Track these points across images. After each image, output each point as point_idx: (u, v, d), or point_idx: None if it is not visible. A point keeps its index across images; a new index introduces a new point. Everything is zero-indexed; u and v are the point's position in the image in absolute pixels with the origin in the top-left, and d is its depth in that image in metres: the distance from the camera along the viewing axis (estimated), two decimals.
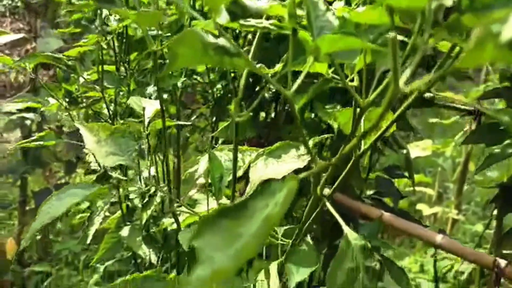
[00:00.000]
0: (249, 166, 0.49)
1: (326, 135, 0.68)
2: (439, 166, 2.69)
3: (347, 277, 0.30)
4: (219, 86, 1.14)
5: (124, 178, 0.54)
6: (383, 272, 0.30)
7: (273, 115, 1.29)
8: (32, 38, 2.49)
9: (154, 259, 0.92)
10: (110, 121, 0.91)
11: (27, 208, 2.75)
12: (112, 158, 0.45)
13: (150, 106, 0.52)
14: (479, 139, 0.91)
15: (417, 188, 2.53)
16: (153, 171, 1.19)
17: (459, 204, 2.46)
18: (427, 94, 1.14)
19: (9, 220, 3.12)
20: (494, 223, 2.50)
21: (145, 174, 1.12)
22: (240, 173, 0.49)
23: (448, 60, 0.30)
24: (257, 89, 1.16)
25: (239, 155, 0.52)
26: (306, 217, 0.43)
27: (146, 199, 0.91)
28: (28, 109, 2.57)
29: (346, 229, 0.33)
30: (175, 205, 0.50)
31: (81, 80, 0.82)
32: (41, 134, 0.86)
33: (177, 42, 0.27)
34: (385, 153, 1.24)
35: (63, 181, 2.97)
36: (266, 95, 1.15)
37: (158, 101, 0.53)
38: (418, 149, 2.06)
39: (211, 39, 0.27)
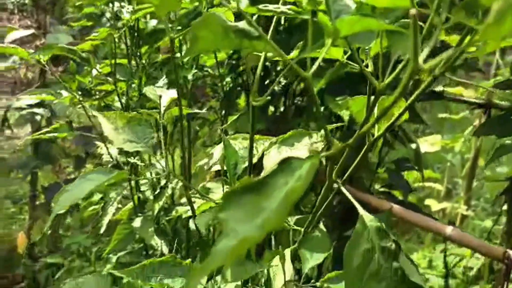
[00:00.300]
0: (262, 154, 0.49)
1: (339, 124, 0.69)
2: (448, 162, 2.68)
3: (363, 258, 0.30)
4: (228, 79, 1.15)
5: (141, 163, 0.54)
6: (399, 252, 0.30)
7: (282, 109, 1.29)
8: (42, 34, 2.51)
9: (165, 250, 0.93)
10: None
11: (38, 203, 2.79)
12: (130, 144, 0.46)
13: (165, 95, 0.53)
14: (490, 131, 0.91)
15: (426, 184, 2.52)
16: (163, 164, 1.20)
17: (469, 199, 2.45)
18: (437, 88, 1.14)
19: (19, 214, 3.16)
20: (503, 219, 2.49)
21: (156, 167, 1.13)
22: (254, 160, 0.49)
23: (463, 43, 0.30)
24: (266, 82, 1.17)
25: (254, 145, 0.52)
26: (320, 204, 0.43)
27: (158, 190, 0.92)
28: (38, 105, 2.60)
29: (361, 211, 0.34)
30: (190, 192, 0.51)
31: (94, 72, 0.83)
32: (54, 126, 0.87)
33: (198, 25, 0.28)
34: (394, 147, 1.24)
35: (72, 176, 3.00)
36: (276, 88, 1.15)
37: (173, 91, 0.54)
38: (427, 144, 2.05)
39: (231, 22, 0.28)
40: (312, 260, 0.43)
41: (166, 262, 0.47)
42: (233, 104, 1.14)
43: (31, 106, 2.51)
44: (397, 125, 1.22)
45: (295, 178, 0.24)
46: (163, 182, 0.94)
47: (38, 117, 2.57)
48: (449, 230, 0.92)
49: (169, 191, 0.88)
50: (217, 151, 0.50)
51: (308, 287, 0.44)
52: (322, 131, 0.52)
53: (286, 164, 0.26)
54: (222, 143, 0.50)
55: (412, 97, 0.38)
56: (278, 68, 1.17)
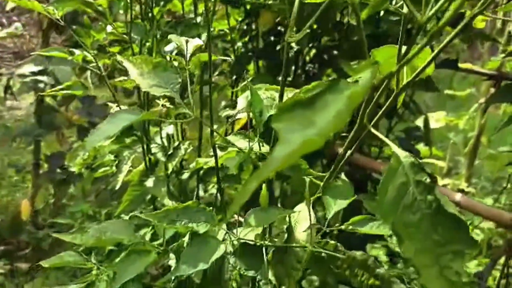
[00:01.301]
0: None
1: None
2: (451, 140, 2.69)
3: (397, 191, 0.31)
4: (239, 44, 1.14)
5: (171, 106, 0.54)
6: (434, 186, 0.30)
7: (291, 78, 1.29)
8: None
9: None
10: None
11: (41, 171, 2.80)
12: (157, 89, 0.46)
13: (191, 42, 0.53)
14: (501, 99, 0.91)
15: (428, 160, 2.53)
16: (171, 129, 1.20)
17: (469, 177, 2.47)
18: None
19: (22, 183, 3.18)
20: (503, 198, 2.50)
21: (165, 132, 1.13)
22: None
23: None
24: (278, 47, 1.16)
25: (276, 94, 0.52)
26: (345, 149, 0.44)
27: (171, 151, 0.93)
28: (41, 72, 2.58)
29: (395, 148, 0.34)
30: (215, 139, 0.50)
31: (109, 29, 0.82)
32: (69, 83, 0.87)
33: None
34: (404, 118, 1.24)
35: (75, 145, 3.00)
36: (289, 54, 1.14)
37: (197, 39, 0.53)
38: (432, 120, 2.05)
39: None
40: (336, 206, 0.44)
41: (190, 207, 0.47)
42: (243, 68, 1.13)
43: (34, 73, 2.49)
44: (408, 96, 1.22)
45: (344, 96, 0.24)
46: (175, 143, 0.95)
47: (41, 85, 2.55)
48: (458, 196, 0.94)
49: (182, 151, 0.88)
50: (241, 100, 0.50)
51: (333, 230, 0.44)
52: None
53: (333, 85, 0.26)
54: (245, 92, 0.50)
55: (447, 39, 0.38)
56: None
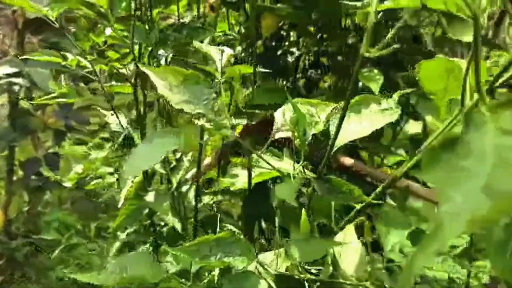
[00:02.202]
0: (328, 122, 0.45)
1: (408, 90, 0.64)
2: None
3: (507, 233, 0.27)
4: (239, 48, 1.09)
5: (210, 125, 0.48)
6: None
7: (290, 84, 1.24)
8: None
9: (178, 226, 0.88)
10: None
11: (15, 178, 2.65)
12: (189, 106, 0.40)
13: (219, 51, 0.47)
14: None
15: None
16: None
17: None
18: None
19: None
20: None
21: None
22: (320, 127, 0.45)
23: None
24: (279, 53, 1.11)
25: (312, 110, 0.47)
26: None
27: (173, 163, 0.87)
28: (17, 74, 2.45)
29: None
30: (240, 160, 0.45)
31: (108, 31, 0.75)
32: (63, 90, 0.79)
33: None
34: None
35: (51, 150, 2.86)
36: (289, 59, 1.10)
37: (228, 48, 0.48)
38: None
39: None
40: (393, 236, 0.39)
41: (223, 238, 0.42)
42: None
43: (9, 75, 2.36)
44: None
45: (490, 136, 0.20)
46: (178, 154, 0.89)
47: (16, 87, 2.42)
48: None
49: (186, 163, 0.82)
50: (279, 117, 0.45)
51: (394, 267, 0.40)
52: (394, 96, 0.47)
53: (469, 119, 0.21)
54: (282, 107, 0.45)
55: None
56: (292, 39, 1.11)
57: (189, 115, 0.98)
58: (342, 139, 0.43)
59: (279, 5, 0.91)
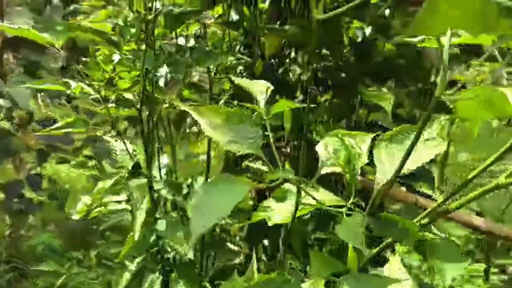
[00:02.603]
0: (371, 153, 0.44)
1: (452, 116, 0.64)
2: None
3: None
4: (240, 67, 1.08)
5: (266, 169, 0.46)
6: None
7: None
8: None
9: (191, 255, 0.86)
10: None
11: None
12: (236, 146, 0.39)
13: (263, 87, 0.46)
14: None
15: None
16: (166, 160, 1.11)
17: (440, 184, 2.54)
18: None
19: None
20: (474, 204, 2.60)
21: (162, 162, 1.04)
22: (364, 160, 0.44)
23: None
24: (280, 71, 1.11)
25: (352, 141, 0.47)
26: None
27: (185, 189, 0.84)
28: None
29: None
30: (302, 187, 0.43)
31: (117, 58, 0.73)
32: (69, 120, 0.76)
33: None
34: None
35: (33, 172, 2.77)
36: (291, 76, 1.09)
37: (266, 82, 0.46)
38: None
39: None
40: (451, 271, 0.39)
41: (274, 280, 0.40)
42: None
43: None
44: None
45: None
46: (188, 181, 0.87)
47: None
48: (479, 221, 0.92)
49: (200, 191, 0.80)
50: (322, 150, 0.44)
51: None
52: (434, 126, 0.47)
53: None
54: (325, 139, 0.44)
55: None
56: (292, 55, 1.11)
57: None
58: (388, 173, 0.42)
59: (286, 26, 0.91)
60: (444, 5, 0.22)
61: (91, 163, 2.88)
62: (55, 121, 2.78)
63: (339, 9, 0.53)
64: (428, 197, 1.27)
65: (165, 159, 1.06)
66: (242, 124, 0.40)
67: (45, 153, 2.68)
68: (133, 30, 0.71)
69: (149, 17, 0.68)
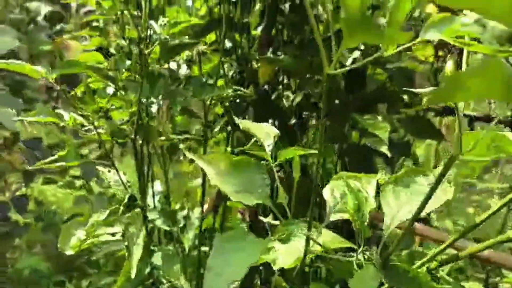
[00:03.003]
0: (378, 197, 0.44)
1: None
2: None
3: None
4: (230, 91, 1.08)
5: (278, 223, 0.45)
6: None
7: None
8: None
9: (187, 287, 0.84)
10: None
11: None
12: (244, 196, 0.38)
13: (271, 132, 0.45)
14: None
15: None
16: (159, 186, 1.09)
17: None
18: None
19: None
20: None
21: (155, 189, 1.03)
22: (372, 205, 0.44)
23: None
24: (273, 97, 1.11)
25: (357, 184, 0.46)
26: None
27: (182, 222, 0.83)
28: None
29: None
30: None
31: (111, 91, 0.72)
32: (62, 153, 0.75)
33: (471, 72, 0.22)
34: None
35: (18, 192, 2.72)
36: (285, 103, 1.09)
37: (272, 127, 0.46)
38: None
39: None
40: None
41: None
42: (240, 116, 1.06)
43: None
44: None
45: None
46: (184, 212, 0.85)
47: None
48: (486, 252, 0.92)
49: (196, 222, 0.79)
50: (328, 195, 0.43)
51: None
52: (437, 171, 0.47)
53: None
54: (331, 184, 0.44)
55: None
56: (285, 81, 1.12)
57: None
58: (393, 219, 0.42)
59: (279, 54, 0.91)
60: (469, 80, 0.22)
61: (79, 183, 2.84)
62: (41, 140, 2.72)
63: (353, 65, 0.53)
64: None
65: (158, 186, 1.05)
66: (249, 172, 0.40)
67: (31, 173, 2.63)
68: (128, 63, 0.71)
69: (146, 50, 0.67)
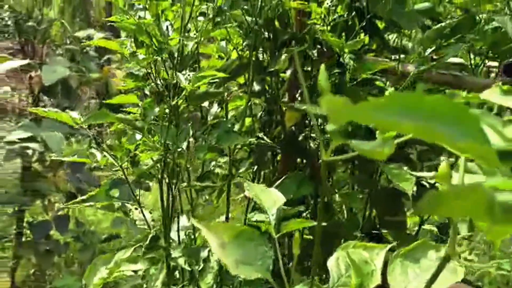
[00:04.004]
0: (385, 271, 0.43)
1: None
2: None
3: None
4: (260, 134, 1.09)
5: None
6: None
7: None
8: (37, 65, 2.40)
9: None
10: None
11: (23, 239, 2.62)
12: (244, 269, 0.39)
13: (277, 200, 0.45)
14: None
15: None
16: (185, 221, 1.11)
17: None
18: None
19: (1, 251, 2.95)
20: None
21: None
22: (378, 279, 0.43)
23: None
24: (300, 138, 1.12)
25: (365, 254, 0.46)
26: None
27: (201, 264, 0.84)
28: (31, 139, 2.47)
29: None
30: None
31: (137, 137, 0.76)
32: (92, 193, 0.79)
33: (453, 193, 0.22)
34: None
35: (60, 212, 2.84)
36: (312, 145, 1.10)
37: (279, 194, 0.46)
38: None
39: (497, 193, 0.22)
40: None
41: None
42: (266, 159, 1.08)
43: (23, 140, 2.38)
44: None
45: None
46: (205, 252, 0.86)
47: (29, 151, 2.44)
48: None
49: (215, 265, 0.80)
50: (333, 265, 0.43)
51: None
52: (446, 247, 0.46)
53: None
54: (336, 254, 0.44)
55: None
56: (312, 123, 1.12)
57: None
58: None
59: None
60: (453, 201, 0.22)
61: (117, 204, 2.94)
62: (84, 163, 2.82)
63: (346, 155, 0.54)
64: None
65: (184, 220, 1.07)
66: (251, 244, 0.40)
67: (73, 195, 2.74)
68: (157, 110, 0.74)
69: (173, 102, 0.70)
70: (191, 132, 0.79)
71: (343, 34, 1.01)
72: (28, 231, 2.63)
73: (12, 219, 2.56)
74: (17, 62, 2.31)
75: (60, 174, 2.61)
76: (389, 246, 0.47)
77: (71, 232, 2.74)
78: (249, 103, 0.98)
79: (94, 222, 3.06)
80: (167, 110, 0.80)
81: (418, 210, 0.23)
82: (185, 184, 0.82)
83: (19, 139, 2.42)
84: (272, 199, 0.45)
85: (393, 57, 1.10)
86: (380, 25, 1.07)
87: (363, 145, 0.23)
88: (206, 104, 1.12)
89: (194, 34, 0.79)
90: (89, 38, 2.93)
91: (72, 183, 2.66)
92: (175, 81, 0.79)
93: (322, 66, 0.32)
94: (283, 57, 0.82)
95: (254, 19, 0.86)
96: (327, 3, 0.84)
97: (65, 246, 2.70)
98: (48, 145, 2.44)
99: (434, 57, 0.81)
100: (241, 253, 0.40)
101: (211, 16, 0.80)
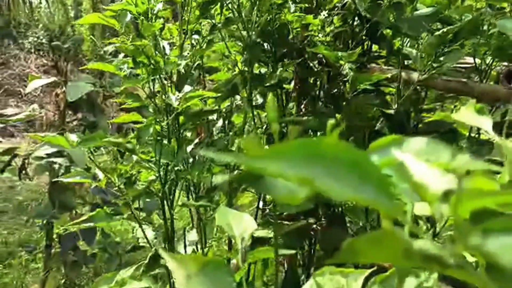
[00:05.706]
0: None
1: None
2: None
3: None
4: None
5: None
6: None
7: None
8: (63, 82, 2.48)
9: None
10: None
11: (53, 251, 2.70)
12: None
13: (247, 226, 0.44)
14: None
15: None
16: (195, 235, 1.11)
17: None
18: None
19: (33, 262, 3.06)
20: None
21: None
22: None
23: None
24: None
25: (343, 280, 0.44)
26: None
27: None
28: (57, 153, 2.54)
29: None
30: None
31: (134, 157, 0.77)
32: (92, 213, 0.80)
33: (369, 241, 0.21)
34: None
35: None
36: None
37: (251, 219, 0.45)
38: None
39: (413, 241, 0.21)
40: None
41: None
42: None
43: (49, 155, 2.46)
44: None
45: None
46: None
47: (56, 166, 2.53)
48: None
49: None
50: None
51: None
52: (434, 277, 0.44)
53: None
54: (317, 279, 0.42)
55: None
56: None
57: None
58: None
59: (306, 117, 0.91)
60: (367, 248, 0.21)
61: (142, 215, 2.99)
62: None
63: None
64: None
65: (193, 235, 1.07)
66: (217, 272, 0.40)
67: (99, 206, 2.80)
68: (151, 130, 0.75)
69: (163, 122, 0.71)
70: (188, 150, 0.79)
71: (350, 42, 1.00)
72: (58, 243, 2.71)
73: (43, 231, 2.65)
74: (44, 81, 2.40)
75: (86, 187, 2.68)
76: (368, 271, 0.45)
77: (98, 243, 2.80)
78: (251, 116, 0.97)
79: (119, 233, 3.12)
80: (165, 128, 0.80)
81: (337, 259, 0.21)
82: (180, 203, 0.82)
83: (46, 154, 2.50)
84: (242, 226, 0.44)
85: (405, 62, 1.07)
86: (387, 33, 1.04)
87: (277, 189, 0.22)
88: (215, 117, 1.12)
89: (188, 53, 0.79)
90: (117, 52, 3.01)
91: (98, 195, 2.73)
92: (165, 103, 0.80)
93: (270, 95, 0.31)
94: (279, 69, 0.81)
95: (250, 33, 0.86)
96: (323, 15, 0.82)
97: (92, 257, 2.77)
98: (73, 160, 2.51)
99: (434, 65, 0.78)
100: (207, 284, 0.39)
101: (205, 35, 0.80)
